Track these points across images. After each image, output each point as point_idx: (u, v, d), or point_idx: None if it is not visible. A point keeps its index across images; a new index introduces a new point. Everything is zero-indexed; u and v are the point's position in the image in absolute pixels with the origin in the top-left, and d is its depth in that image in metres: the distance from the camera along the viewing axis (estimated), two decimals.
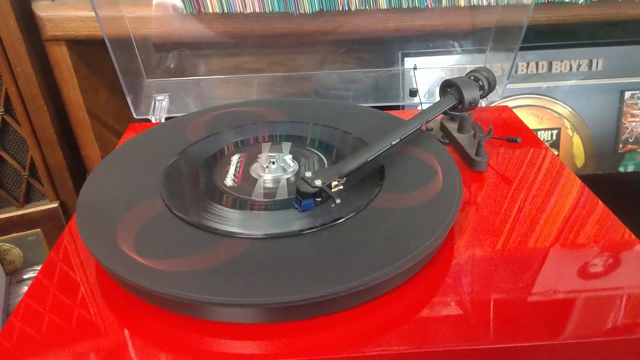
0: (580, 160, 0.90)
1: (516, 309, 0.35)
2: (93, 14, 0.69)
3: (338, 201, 0.40)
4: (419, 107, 0.63)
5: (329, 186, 0.41)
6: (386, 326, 0.34)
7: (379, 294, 0.36)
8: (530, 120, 0.88)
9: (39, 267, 0.82)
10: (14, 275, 0.82)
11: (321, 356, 0.32)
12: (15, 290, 0.81)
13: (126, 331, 0.34)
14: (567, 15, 0.75)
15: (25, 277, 0.82)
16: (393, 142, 0.46)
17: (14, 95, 0.71)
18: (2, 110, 0.72)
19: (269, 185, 0.46)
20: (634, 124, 0.88)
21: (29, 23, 0.71)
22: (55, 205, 0.80)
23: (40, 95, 0.73)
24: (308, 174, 0.41)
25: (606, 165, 0.90)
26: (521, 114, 0.66)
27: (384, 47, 0.80)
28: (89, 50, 0.76)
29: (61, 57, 0.73)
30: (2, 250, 0.80)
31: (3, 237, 0.80)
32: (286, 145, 0.52)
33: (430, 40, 0.77)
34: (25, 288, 0.80)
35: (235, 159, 0.50)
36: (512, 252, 0.40)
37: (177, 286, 0.33)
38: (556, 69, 0.86)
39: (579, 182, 0.50)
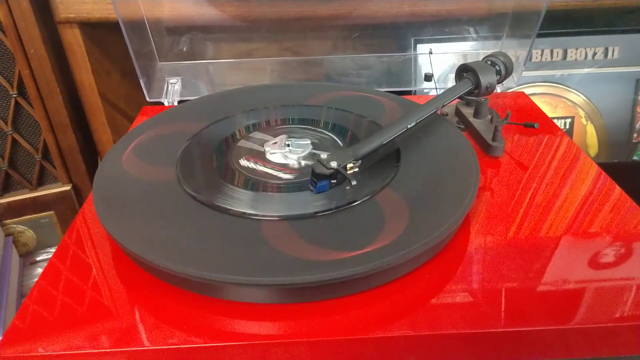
0: (593, 150, 0.89)
1: (530, 296, 0.35)
2: None
3: (354, 183, 0.40)
4: (435, 92, 0.62)
5: (345, 168, 0.41)
6: (399, 310, 0.34)
7: (394, 278, 0.36)
8: (543, 108, 0.86)
9: (52, 249, 0.84)
10: (27, 257, 0.83)
11: (335, 337, 0.32)
12: (28, 272, 0.81)
13: (141, 311, 0.34)
14: (585, 1, 0.74)
15: (38, 259, 0.83)
16: (409, 126, 0.46)
17: (27, 77, 0.72)
18: (16, 92, 0.73)
19: (284, 166, 0.46)
20: None
21: (42, 5, 0.70)
22: (68, 188, 0.81)
23: (54, 78, 0.73)
24: (324, 156, 0.41)
25: (620, 154, 0.89)
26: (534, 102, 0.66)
27: (396, 33, 0.79)
28: (102, 33, 0.76)
29: (74, 39, 0.73)
30: (15, 233, 0.81)
31: (16, 219, 0.80)
32: (300, 129, 0.52)
33: (445, 26, 0.76)
34: (39, 270, 0.81)
35: (248, 142, 0.50)
36: (527, 238, 0.40)
37: (193, 265, 0.34)
38: (571, 56, 0.85)
39: (595, 167, 0.49)
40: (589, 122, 0.88)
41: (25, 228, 0.81)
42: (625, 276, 0.36)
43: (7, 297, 0.72)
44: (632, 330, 0.33)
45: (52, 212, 0.81)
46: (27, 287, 0.78)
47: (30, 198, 0.80)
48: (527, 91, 0.86)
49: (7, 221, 0.80)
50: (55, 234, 0.83)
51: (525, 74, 0.85)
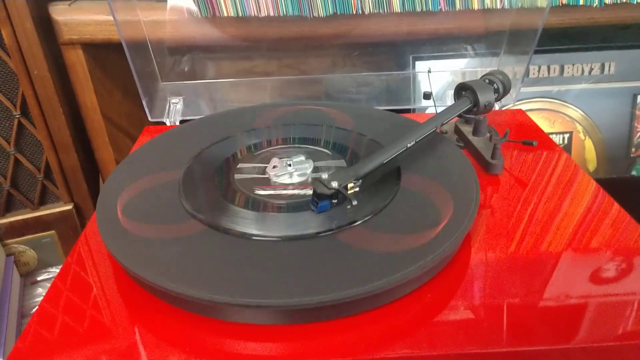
0: (592, 164, 0.90)
1: (531, 313, 0.35)
2: (109, 17, 0.70)
3: (355, 203, 0.40)
4: (434, 110, 0.63)
5: (345, 188, 0.42)
6: (402, 330, 0.34)
7: (395, 298, 0.36)
8: (541, 123, 0.87)
9: (53, 269, 0.84)
10: (28, 276, 0.83)
11: (337, 359, 0.32)
12: (29, 291, 0.81)
13: (145, 334, 0.34)
14: (580, 19, 0.75)
15: (39, 278, 0.83)
16: (408, 145, 0.47)
17: (31, 98, 0.72)
18: (19, 113, 0.73)
19: (286, 186, 0.46)
20: None
21: (46, 27, 0.71)
22: (69, 207, 0.81)
23: (56, 98, 0.74)
24: (324, 176, 0.42)
25: (618, 169, 0.90)
26: (533, 118, 0.67)
27: (396, 51, 0.80)
28: (104, 53, 0.77)
29: (77, 60, 0.74)
30: (16, 252, 0.81)
31: (18, 239, 0.81)
32: (302, 148, 0.53)
33: (443, 44, 0.77)
34: (40, 290, 0.81)
35: (251, 161, 0.51)
36: (528, 255, 0.40)
37: (195, 286, 0.34)
38: (568, 72, 0.86)
39: (593, 184, 0.49)
40: (587, 137, 0.88)
41: (27, 248, 0.81)
42: (627, 292, 0.37)
43: (7, 317, 0.72)
44: (637, 348, 0.33)
45: (53, 231, 0.81)
46: (28, 307, 0.78)
47: (31, 218, 0.80)
48: (525, 107, 0.87)
49: (9, 241, 0.80)
50: (56, 253, 0.83)
51: (523, 89, 0.86)
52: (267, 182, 0.47)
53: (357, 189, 0.43)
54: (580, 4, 0.73)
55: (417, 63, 0.80)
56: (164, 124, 0.69)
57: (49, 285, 0.81)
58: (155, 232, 0.40)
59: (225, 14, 0.68)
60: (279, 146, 0.53)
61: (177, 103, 0.70)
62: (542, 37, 0.64)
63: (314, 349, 0.33)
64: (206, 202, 0.44)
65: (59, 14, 0.71)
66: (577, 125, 0.88)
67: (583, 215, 0.45)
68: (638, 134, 0.88)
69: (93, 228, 0.44)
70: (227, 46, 0.73)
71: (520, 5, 0.69)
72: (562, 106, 0.88)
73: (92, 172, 0.84)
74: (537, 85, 0.87)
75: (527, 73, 0.78)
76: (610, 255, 0.40)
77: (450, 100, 0.70)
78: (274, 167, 0.48)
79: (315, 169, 0.48)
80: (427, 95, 0.59)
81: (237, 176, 0.48)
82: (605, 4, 0.73)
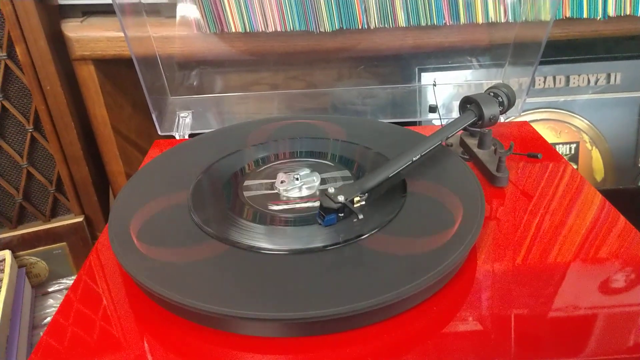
0: (599, 174, 0.89)
1: (538, 325, 0.35)
2: (119, 34, 0.71)
3: (361, 217, 0.41)
4: (440, 123, 0.63)
5: (352, 202, 0.42)
6: (409, 342, 0.34)
7: (402, 310, 0.36)
8: (548, 134, 0.88)
9: (64, 281, 0.85)
10: (39, 288, 0.84)
11: None
12: (40, 303, 0.82)
13: (155, 346, 0.35)
14: (585, 31, 0.76)
15: (50, 290, 0.84)
16: (414, 158, 0.47)
17: (43, 113, 0.74)
18: (32, 127, 0.75)
19: (294, 200, 0.47)
20: None
21: (58, 43, 0.73)
22: (80, 219, 0.82)
23: (68, 112, 0.75)
24: (331, 190, 0.42)
25: (626, 179, 0.89)
26: (539, 128, 0.67)
27: (401, 63, 0.81)
28: (114, 68, 0.78)
29: (88, 75, 0.75)
30: (28, 264, 0.82)
31: (29, 251, 0.82)
32: (309, 162, 0.53)
33: (448, 56, 0.78)
34: (51, 301, 0.82)
35: (259, 175, 0.51)
36: (534, 267, 0.40)
37: (204, 299, 0.34)
38: (574, 83, 0.86)
39: (599, 196, 0.50)
40: (594, 147, 0.88)
41: (38, 259, 0.82)
42: (636, 302, 0.37)
43: (19, 328, 0.73)
44: None
45: (64, 243, 0.83)
46: (39, 318, 0.79)
47: (43, 230, 0.81)
48: (531, 117, 0.87)
49: (20, 253, 0.81)
50: (67, 264, 0.84)
51: (529, 100, 0.86)
52: (275, 197, 0.47)
53: (363, 203, 0.43)
54: (584, 16, 0.73)
55: (423, 75, 0.81)
56: (174, 137, 0.70)
57: (59, 296, 0.82)
58: (166, 246, 0.41)
59: (233, 30, 0.70)
60: (286, 160, 0.54)
61: (186, 117, 0.72)
62: (547, 48, 0.65)
63: None
64: (215, 217, 0.45)
65: (71, 30, 0.72)
66: (584, 135, 0.88)
67: (589, 228, 0.45)
68: None
69: (104, 241, 0.45)
70: (235, 61, 0.74)
71: (524, 18, 0.70)
72: (569, 116, 0.88)
73: (103, 185, 0.85)
74: (543, 95, 0.87)
75: (532, 84, 0.78)
76: (617, 267, 0.40)
77: (456, 111, 0.71)
78: (282, 181, 0.49)
79: (323, 182, 0.49)
80: (432, 109, 0.59)
81: (245, 191, 0.48)
82: (609, 16, 0.73)
